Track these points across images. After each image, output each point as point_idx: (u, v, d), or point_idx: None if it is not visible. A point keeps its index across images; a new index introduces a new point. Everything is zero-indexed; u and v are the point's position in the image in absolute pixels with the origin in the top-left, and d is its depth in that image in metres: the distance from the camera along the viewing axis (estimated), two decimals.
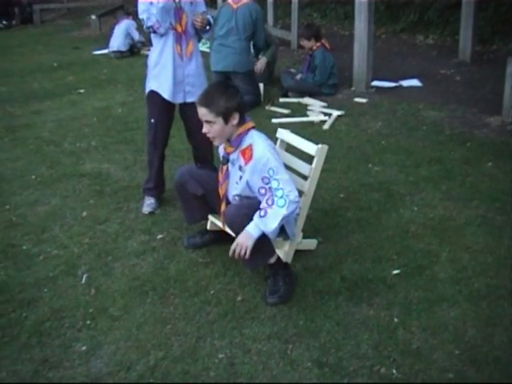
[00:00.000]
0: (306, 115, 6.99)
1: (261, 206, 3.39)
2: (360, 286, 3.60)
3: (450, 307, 3.38)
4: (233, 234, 3.51)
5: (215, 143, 3.67)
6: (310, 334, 3.20)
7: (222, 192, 3.75)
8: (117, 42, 11.36)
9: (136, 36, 11.48)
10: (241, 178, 3.60)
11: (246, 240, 3.31)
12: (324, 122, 6.68)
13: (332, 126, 6.57)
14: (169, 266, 3.90)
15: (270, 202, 3.36)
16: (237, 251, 3.33)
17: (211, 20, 4.64)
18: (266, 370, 2.96)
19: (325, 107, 7.26)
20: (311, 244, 3.97)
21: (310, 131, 6.21)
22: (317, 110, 7.13)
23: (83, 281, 3.77)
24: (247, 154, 3.54)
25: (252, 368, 2.97)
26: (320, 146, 3.69)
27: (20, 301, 3.57)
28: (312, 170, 3.70)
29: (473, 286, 3.56)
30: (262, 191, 3.50)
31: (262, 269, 3.69)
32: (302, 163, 3.79)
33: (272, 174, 3.41)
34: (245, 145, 3.56)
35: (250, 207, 3.42)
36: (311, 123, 6.67)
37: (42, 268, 3.93)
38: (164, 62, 4.46)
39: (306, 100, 7.58)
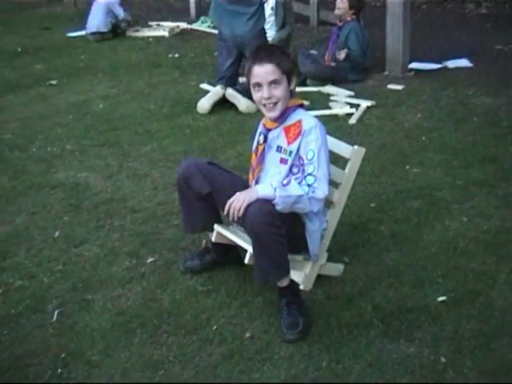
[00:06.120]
0: (329, 107, 7.00)
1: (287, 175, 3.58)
2: (397, 316, 3.58)
3: None
4: (245, 246, 3.56)
5: (274, 113, 3.64)
6: (335, 377, 3.18)
7: (252, 178, 3.78)
8: (96, 21, 11.34)
9: (120, 13, 11.48)
10: (284, 161, 3.63)
11: (246, 194, 3.41)
12: (350, 114, 6.68)
13: (360, 119, 6.57)
14: (161, 296, 3.90)
15: (298, 180, 3.52)
16: (233, 206, 3.39)
17: None
18: None
19: (351, 97, 7.26)
20: (337, 269, 3.96)
21: (333, 126, 6.19)
22: (341, 101, 7.14)
23: (54, 318, 3.75)
24: (293, 131, 3.60)
25: None
26: (356, 147, 3.70)
27: None
28: (345, 176, 3.71)
29: None
30: (295, 170, 3.60)
31: (276, 297, 3.68)
32: (332, 167, 3.78)
33: (312, 157, 3.51)
34: (291, 121, 3.64)
35: (273, 205, 3.42)
36: (335, 117, 6.67)
37: (2, 304, 3.91)
38: None
39: (328, 88, 7.59)
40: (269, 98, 3.57)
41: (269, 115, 3.65)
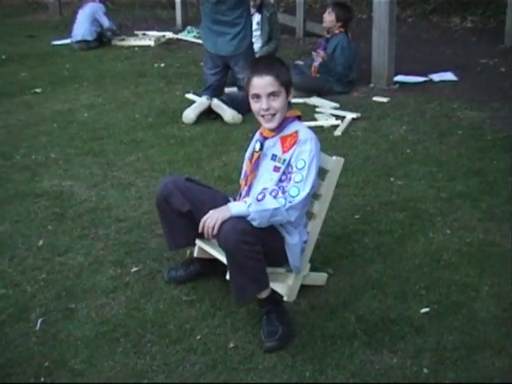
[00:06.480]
0: (314, 119, 7.04)
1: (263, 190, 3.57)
2: (380, 328, 3.60)
3: (494, 355, 3.36)
4: (223, 260, 3.56)
5: (272, 124, 3.67)
6: None
7: (244, 184, 3.81)
8: (81, 29, 11.35)
9: (105, 22, 11.48)
10: (277, 169, 3.65)
11: (220, 212, 3.45)
12: (336, 126, 6.73)
13: (345, 131, 6.61)
14: (145, 306, 3.90)
15: (274, 193, 3.53)
16: (206, 223, 3.44)
17: None
18: None
19: (337, 109, 7.31)
20: (320, 278, 3.99)
21: (318, 138, 6.20)
22: (327, 113, 7.18)
23: (38, 327, 3.74)
24: (289, 141, 3.64)
25: None
26: (335, 157, 3.72)
27: None
28: (325, 187, 3.73)
29: None
30: (283, 177, 3.63)
31: (259, 308, 3.70)
32: None
33: (302, 167, 3.54)
34: (288, 131, 3.67)
35: (247, 222, 3.45)
36: (320, 128, 6.70)
37: None
38: None
39: (314, 100, 7.63)
40: (267, 110, 3.60)
41: (267, 126, 3.68)
